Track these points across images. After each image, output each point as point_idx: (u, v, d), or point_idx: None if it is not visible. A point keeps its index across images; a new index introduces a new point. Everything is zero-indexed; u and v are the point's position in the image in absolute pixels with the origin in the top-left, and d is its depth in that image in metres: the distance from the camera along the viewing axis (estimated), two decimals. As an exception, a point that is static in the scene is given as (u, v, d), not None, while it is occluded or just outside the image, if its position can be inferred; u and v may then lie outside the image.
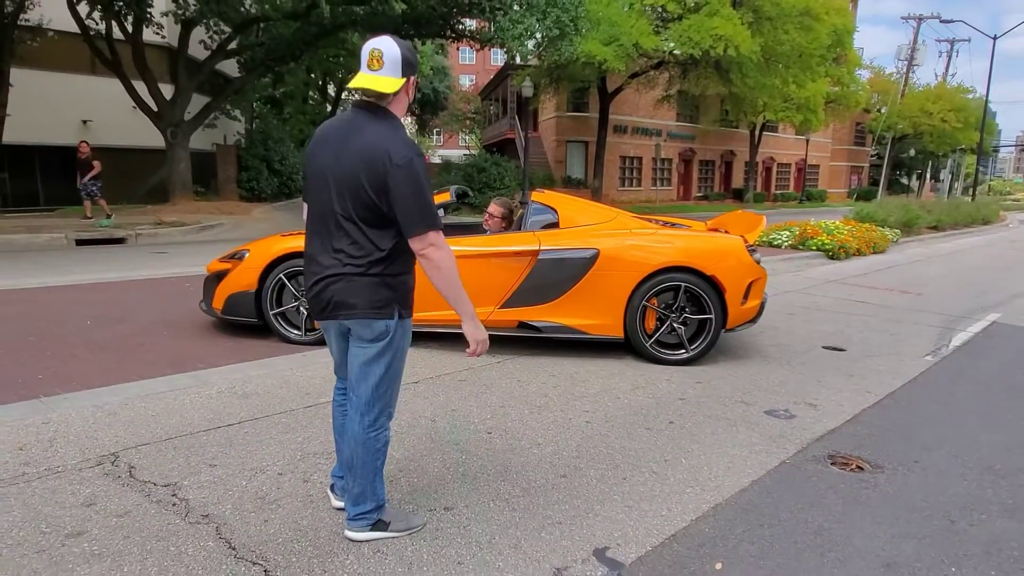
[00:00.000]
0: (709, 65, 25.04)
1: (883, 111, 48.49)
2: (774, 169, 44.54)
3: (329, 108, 41.20)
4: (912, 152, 53.79)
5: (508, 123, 36.69)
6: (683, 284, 5.24)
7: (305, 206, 2.55)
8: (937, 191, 54.06)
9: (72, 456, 3.18)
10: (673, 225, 6.01)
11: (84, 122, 21.33)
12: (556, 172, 32.76)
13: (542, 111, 35.45)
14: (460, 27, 20.23)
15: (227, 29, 19.23)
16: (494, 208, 5.87)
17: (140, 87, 18.05)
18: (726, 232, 5.75)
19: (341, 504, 2.73)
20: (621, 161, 35.14)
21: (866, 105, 45.98)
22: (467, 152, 48.65)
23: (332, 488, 2.82)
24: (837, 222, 14.54)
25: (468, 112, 55.68)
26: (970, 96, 49.29)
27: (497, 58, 58.11)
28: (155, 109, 18.39)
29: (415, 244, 2.34)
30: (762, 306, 5.56)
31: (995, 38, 36.50)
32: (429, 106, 49.84)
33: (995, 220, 27.06)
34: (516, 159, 28.74)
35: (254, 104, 29.28)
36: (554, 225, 5.48)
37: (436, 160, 48.00)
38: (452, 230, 6.15)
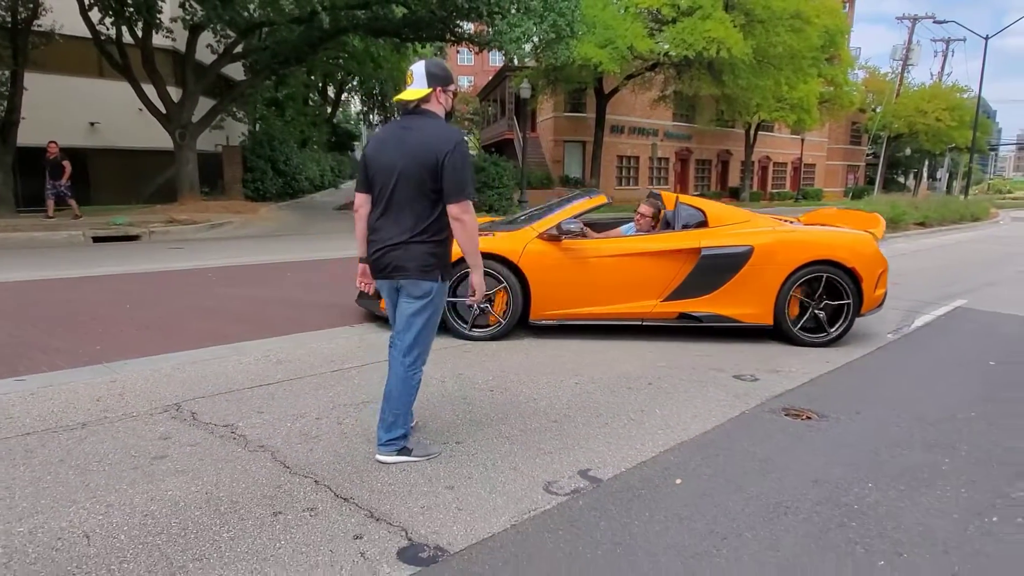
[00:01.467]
0: (703, 67, 25.64)
1: (878, 110, 49.13)
2: (770, 168, 45.12)
3: (329, 110, 41.87)
4: (908, 151, 54.47)
5: (506, 124, 37.30)
6: (826, 275, 5.83)
7: (360, 195, 3.18)
8: (934, 189, 54.71)
9: (142, 405, 3.78)
10: (791, 223, 6.59)
11: (92, 124, 21.95)
12: (554, 172, 33.36)
13: (540, 112, 36.06)
14: (459, 30, 20.79)
15: (233, 33, 19.80)
16: (645, 208, 6.32)
17: (149, 90, 18.63)
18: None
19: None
20: (618, 160, 35.76)
21: (861, 105, 46.58)
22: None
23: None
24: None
25: (467, 113, 56.35)
26: (965, 95, 49.87)
27: (495, 60, 58.72)
28: (164, 111, 18.96)
29: (455, 209, 2.98)
30: (885, 294, 6.19)
31: (987, 38, 37.13)
32: (428, 107, 50.46)
33: (985, 217, 27.64)
34: (514, 159, 29.32)
35: (257, 106, 29.87)
36: (703, 224, 5.99)
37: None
38: (601, 227, 6.68)
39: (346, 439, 3.43)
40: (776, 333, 5.99)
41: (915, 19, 52.52)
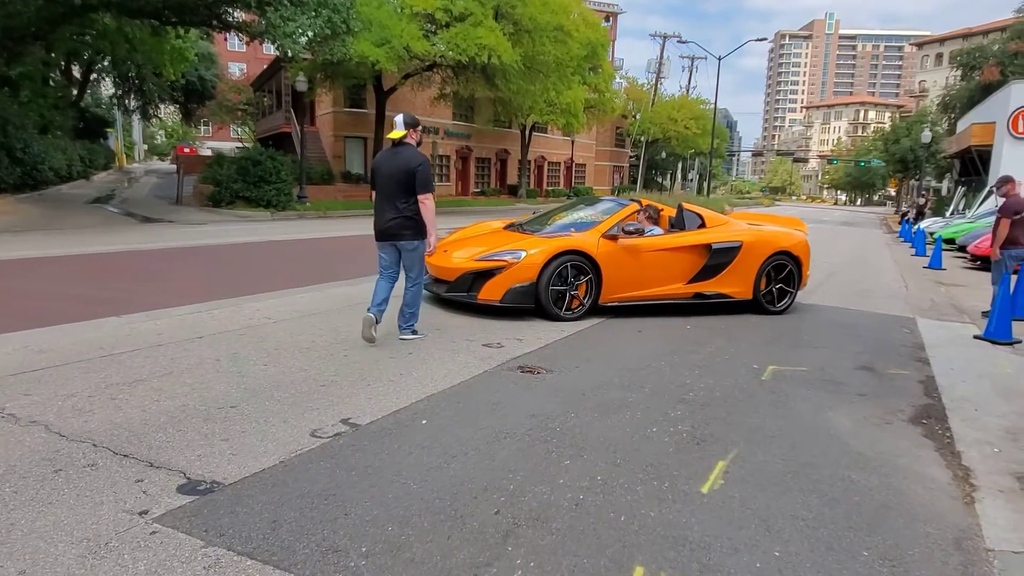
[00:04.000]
0: (477, 70, 27.01)
1: (638, 117, 54.76)
2: (545, 167, 48.29)
3: (75, 92, 37.54)
4: (663, 154, 61.31)
5: (283, 117, 36.17)
6: (782, 262, 7.89)
7: (374, 192, 5.56)
8: (687, 189, 62.24)
9: None
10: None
11: None
12: (335, 167, 33.04)
13: (319, 105, 35.45)
14: (227, 18, 19.97)
15: (-48, 2, 17.32)
16: (643, 217, 7.81)
17: None
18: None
19: (372, 335, 5.40)
20: (400, 157, 36.23)
21: (623, 111, 51.58)
22: (240, 145, 46.66)
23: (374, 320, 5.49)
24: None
25: (239, 103, 53.33)
26: (707, 107, 57.19)
27: (270, 47, 56.31)
28: None
29: (422, 197, 5.33)
30: (808, 275, 8.43)
31: (720, 58, 43.33)
32: (195, 95, 47.03)
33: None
34: (293, 153, 28.66)
35: (-16, 85, 26.10)
36: (703, 225, 7.81)
37: (206, 152, 45.52)
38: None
39: (121, 411, 3.69)
40: (753, 305, 7.89)
41: (665, 37, 59.26)
